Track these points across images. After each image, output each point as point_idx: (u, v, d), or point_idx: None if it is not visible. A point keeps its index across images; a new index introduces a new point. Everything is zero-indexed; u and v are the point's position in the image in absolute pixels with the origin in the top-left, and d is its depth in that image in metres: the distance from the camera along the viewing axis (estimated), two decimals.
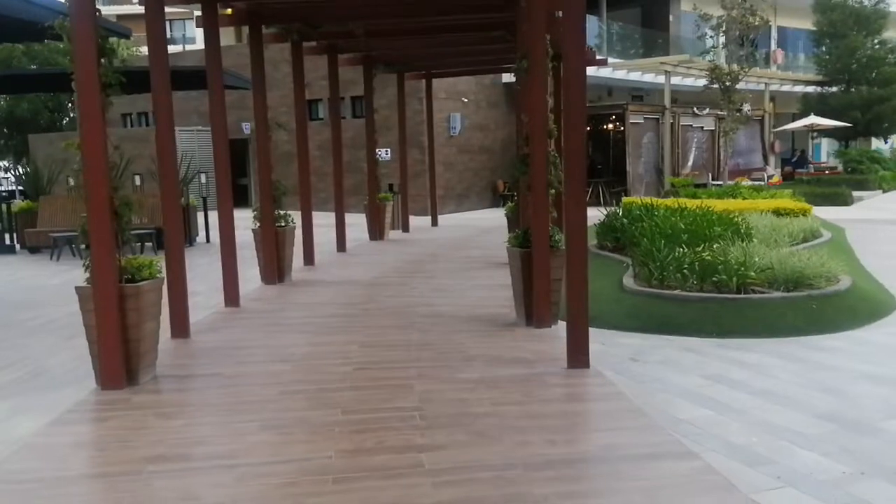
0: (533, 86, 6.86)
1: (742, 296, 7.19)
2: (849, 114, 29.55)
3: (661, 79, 24.84)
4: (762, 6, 22.04)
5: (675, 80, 24.49)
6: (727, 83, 21.43)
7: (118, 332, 5.29)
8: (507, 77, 22.56)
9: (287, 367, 5.80)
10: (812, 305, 7.05)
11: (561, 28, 5.69)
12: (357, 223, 16.02)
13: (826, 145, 38.71)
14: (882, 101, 29.80)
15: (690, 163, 25.52)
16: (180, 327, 6.87)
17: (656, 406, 5.07)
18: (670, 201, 11.65)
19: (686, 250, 7.88)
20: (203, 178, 15.80)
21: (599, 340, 6.54)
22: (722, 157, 26.28)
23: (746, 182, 23.75)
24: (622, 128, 21.86)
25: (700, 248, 7.88)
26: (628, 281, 8.15)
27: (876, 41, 30.96)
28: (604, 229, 10.80)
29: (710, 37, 22.75)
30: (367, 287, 9.44)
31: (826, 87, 31.83)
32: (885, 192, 25.76)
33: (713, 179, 24.67)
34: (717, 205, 11.80)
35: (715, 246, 8.06)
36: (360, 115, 20.76)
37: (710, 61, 22.22)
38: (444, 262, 11.61)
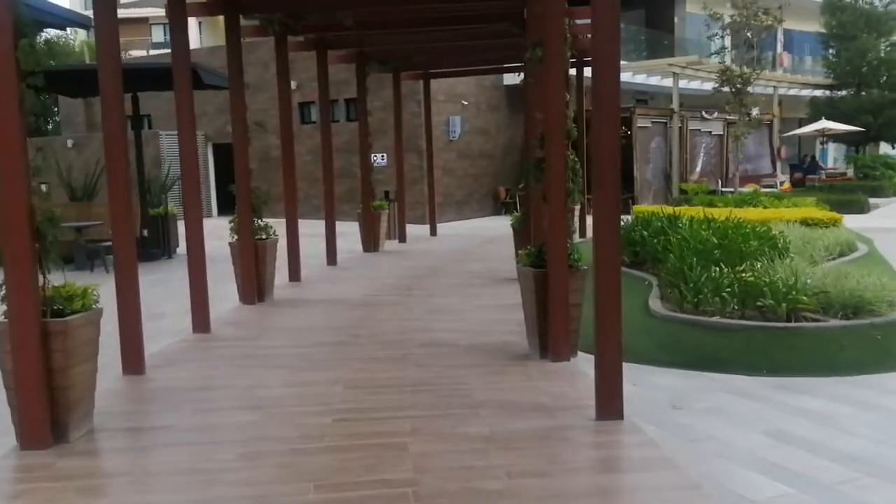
0: (549, 77, 5.84)
1: (794, 324, 6.17)
2: (860, 118, 28.59)
3: (667, 81, 23.88)
4: (773, 6, 21.08)
5: (682, 82, 23.53)
6: (738, 86, 20.42)
7: (41, 379, 4.25)
8: (510, 79, 21.56)
9: (255, 418, 4.76)
10: (876, 336, 6.03)
11: None
12: (351, 232, 14.98)
13: (833, 150, 37.77)
14: (894, 105, 28.83)
15: (699, 168, 24.53)
16: (133, 362, 5.82)
17: (715, 477, 4.04)
18: (694, 210, 10.61)
19: (724, 269, 6.85)
20: None
21: (630, 379, 5.50)
22: (731, 163, 25.30)
23: (757, 188, 22.79)
24: (629, 132, 20.87)
25: (740, 268, 6.85)
26: (655, 304, 7.12)
27: (887, 43, 30.02)
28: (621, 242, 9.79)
29: (721, 37, 21.76)
30: (357, 308, 8.40)
31: (835, 91, 30.87)
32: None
33: (722, 186, 23.68)
34: (740, 214, 10.80)
35: (758, 265, 7.02)
36: (354, 118, 19.73)
37: (720, 63, 21.23)
38: (445, 276, 10.58)
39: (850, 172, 29.68)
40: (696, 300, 6.60)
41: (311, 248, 13.70)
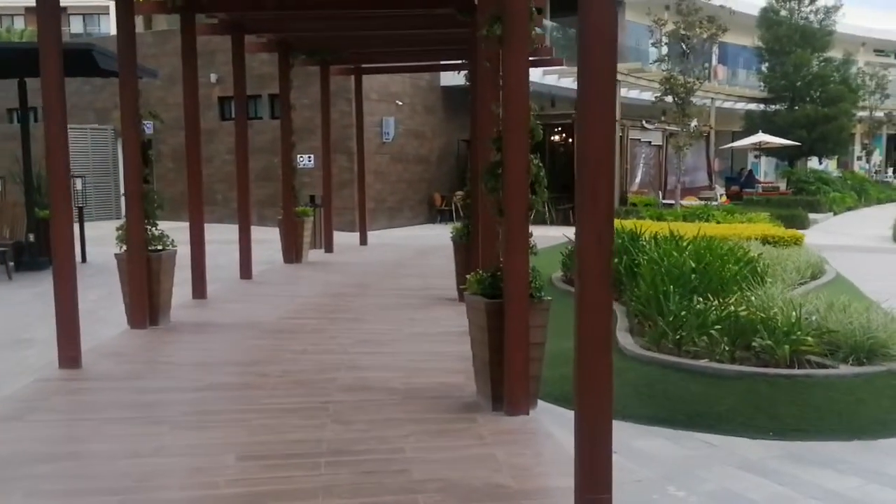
0: (510, 60, 4.67)
1: (800, 371, 5.14)
2: (794, 132, 28.54)
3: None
4: (717, 14, 20.58)
5: (622, 90, 22.85)
6: (682, 95, 19.78)
7: None
8: (447, 79, 20.42)
9: None
10: None
11: None
12: (273, 240, 13.53)
13: (763, 164, 37.97)
14: (828, 121, 28.90)
15: (638, 179, 23.89)
16: None
17: None
18: (657, 226, 9.62)
19: (711, 300, 5.78)
20: (79, 184, 13.06)
21: None
22: (669, 175, 24.78)
23: (695, 202, 22.25)
24: (570, 140, 20.00)
25: (729, 299, 5.80)
26: (626, 339, 6.02)
27: (821, 58, 30.12)
28: (573, 259, 8.69)
29: (665, 44, 21.14)
30: (270, 335, 7.05)
31: (770, 105, 30.84)
32: (835, 214, 24.65)
33: (662, 198, 23.07)
34: (689, 230, 9.87)
35: (744, 294, 5.98)
36: (278, 115, 18.24)
37: (664, 70, 20.57)
38: (375, 295, 9.29)
39: (783, 186, 29.66)
40: (678, 337, 5.53)
41: (225, 258, 12.23)
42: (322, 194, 14.23)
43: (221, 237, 15.04)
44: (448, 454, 4.14)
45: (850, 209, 26.17)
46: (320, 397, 5.11)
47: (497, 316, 4.73)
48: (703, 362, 5.33)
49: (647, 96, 24.89)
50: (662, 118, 22.34)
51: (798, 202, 23.53)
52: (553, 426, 4.57)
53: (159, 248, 7.58)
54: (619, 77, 21.33)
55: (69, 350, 5.85)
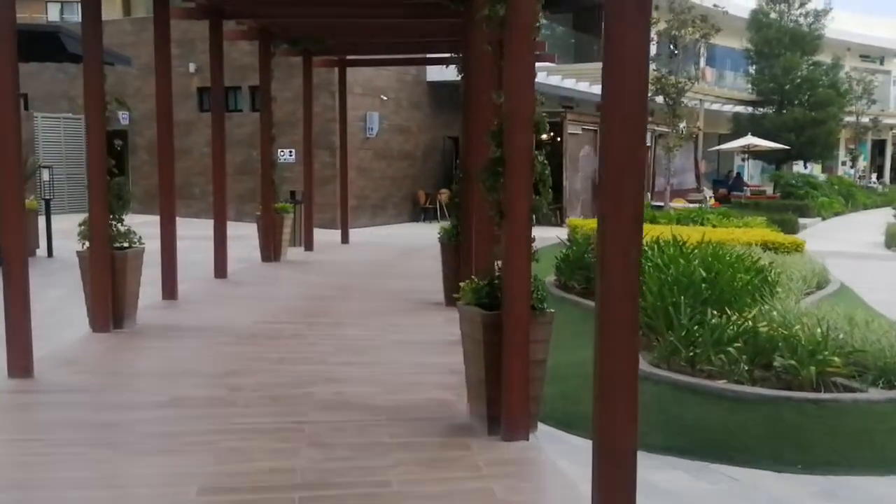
0: (515, 43, 4.18)
1: (827, 396, 4.69)
2: (782, 136, 28.31)
3: (595, 88, 22.73)
4: (710, 14, 20.24)
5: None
6: (673, 96, 19.40)
7: None
8: (434, 74, 19.90)
9: None
10: None
11: None
12: (251, 236, 12.97)
13: (749, 168, 37.81)
14: (816, 124, 28.70)
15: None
16: None
17: None
18: (657, 230, 9.15)
19: (729, 315, 5.30)
20: (46, 175, 12.42)
21: None
22: (658, 176, 24.42)
23: (683, 204, 21.90)
24: (559, 139, 19.54)
25: (749, 314, 5.32)
26: None
27: (810, 62, 29.92)
28: (568, 263, 8.23)
29: (655, 43, 20.74)
30: (243, 342, 6.53)
31: (758, 108, 30.61)
32: (824, 219, 24.39)
33: (651, 200, 22.68)
34: (690, 235, 9.45)
35: (770, 310, 5.48)
36: (259, 107, 17.66)
37: (654, 70, 20.17)
38: (357, 298, 8.78)
39: (769, 190, 29.44)
40: (691, 355, 5.07)
41: (200, 255, 11.66)
42: (303, 190, 13.68)
43: (197, 232, 14.43)
44: (440, 488, 3.65)
45: (837, 214, 25.95)
46: (296, 416, 4.61)
47: (494, 329, 4.25)
48: (720, 383, 4.86)
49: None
50: (650, 119, 21.96)
51: (787, 206, 23.25)
52: (556, 454, 4.11)
53: (125, 245, 7.02)
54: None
55: (20, 358, 5.29)
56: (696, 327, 5.15)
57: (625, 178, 2.83)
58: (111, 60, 12.15)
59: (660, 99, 20.05)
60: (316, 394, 5.05)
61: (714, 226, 12.26)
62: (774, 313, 5.45)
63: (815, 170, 36.62)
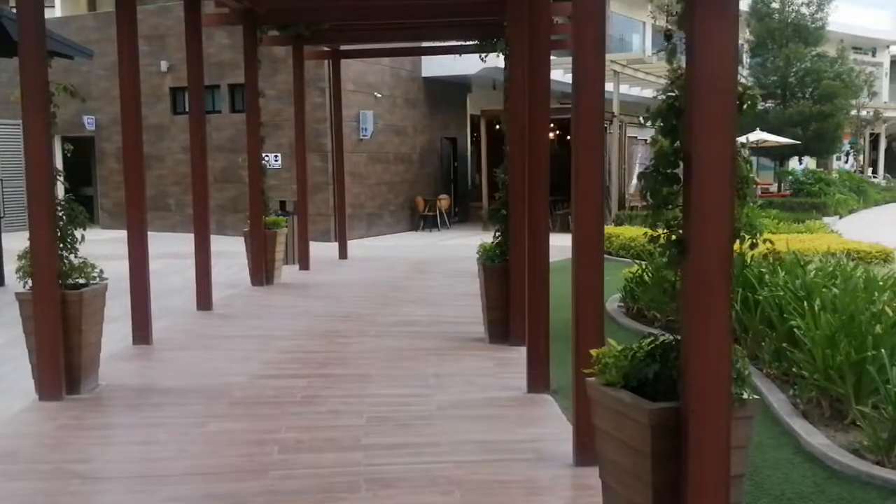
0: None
1: None
2: (787, 130, 26.98)
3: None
4: None
5: (609, 86, 20.99)
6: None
7: None
8: (430, 69, 18.27)
9: None
10: None
11: None
12: (236, 252, 11.32)
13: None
14: (823, 118, 27.39)
15: (635, 181, 21.98)
16: None
17: None
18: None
19: None
20: None
21: None
22: None
23: None
24: (567, 137, 17.99)
25: None
26: (810, 433, 3.92)
27: (814, 53, 28.65)
28: (645, 283, 6.64)
29: (671, 32, 19.22)
30: (239, 412, 4.86)
31: (761, 102, 29.29)
32: (841, 217, 23.05)
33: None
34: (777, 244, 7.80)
35: None
36: (241, 108, 15.92)
37: (659, 59, 18.64)
38: (374, 334, 7.10)
39: (773, 188, 28.16)
40: None
41: (178, 278, 9.99)
42: (296, 200, 11.98)
43: (174, 249, 12.70)
44: None
45: (852, 212, 24.66)
46: None
47: (671, 434, 2.61)
48: None
49: (636, 92, 23.20)
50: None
51: (803, 204, 21.88)
52: None
53: (80, 282, 5.31)
54: (616, 68, 19.48)
55: None
56: None
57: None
58: (68, 52, 10.38)
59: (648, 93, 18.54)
60: None
61: (772, 231, 10.69)
62: None
63: (809, 165, 35.42)
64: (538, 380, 5.14)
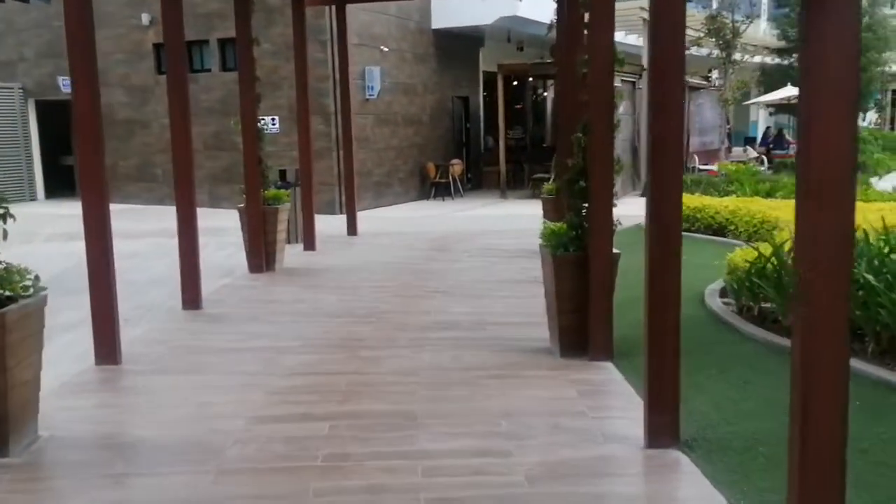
0: None
1: None
2: None
3: (630, 39, 19.44)
4: None
5: (631, 39, 19.19)
6: (728, 39, 16.18)
7: None
8: (440, 20, 16.50)
9: None
10: None
11: None
12: (230, 228, 9.77)
13: (762, 124, 34.83)
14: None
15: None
16: None
17: None
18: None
19: None
20: None
21: None
22: (691, 136, 21.29)
23: (731, 166, 18.78)
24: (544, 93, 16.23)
25: None
26: None
27: None
28: (779, 278, 5.08)
29: None
30: (221, 490, 3.31)
31: (785, 57, 27.52)
32: (881, 178, 21.44)
33: (688, 163, 19.54)
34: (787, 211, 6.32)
35: None
36: (233, 66, 14.20)
37: (704, 8, 16.93)
38: (407, 344, 5.55)
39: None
40: None
41: (161, 263, 8.50)
42: (297, 169, 10.36)
43: (163, 225, 11.09)
44: None
45: (889, 171, 23.06)
46: None
47: None
48: None
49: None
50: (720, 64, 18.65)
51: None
52: None
53: (6, 294, 3.74)
54: (644, 16, 17.64)
55: None
56: None
57: None
58: None
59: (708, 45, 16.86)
60: None
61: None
62: None
63: None
64: (662, 429, 3.61)
